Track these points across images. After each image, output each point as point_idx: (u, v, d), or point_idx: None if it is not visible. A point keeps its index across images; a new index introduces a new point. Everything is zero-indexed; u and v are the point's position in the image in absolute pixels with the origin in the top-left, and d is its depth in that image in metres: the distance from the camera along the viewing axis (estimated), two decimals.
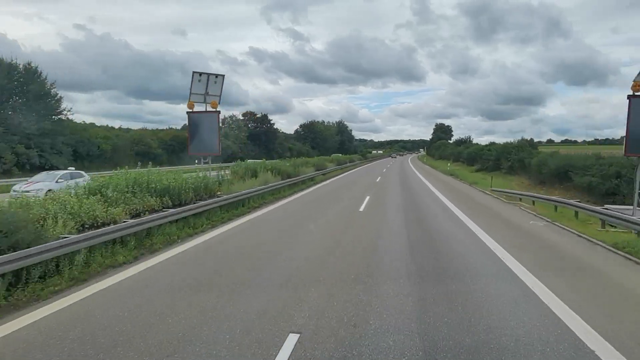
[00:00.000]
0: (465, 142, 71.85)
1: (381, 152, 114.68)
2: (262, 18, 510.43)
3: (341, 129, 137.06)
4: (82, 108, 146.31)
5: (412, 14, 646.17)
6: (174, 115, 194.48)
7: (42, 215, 7.11)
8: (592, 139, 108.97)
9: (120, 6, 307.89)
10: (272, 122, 78.18)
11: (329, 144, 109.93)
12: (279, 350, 3.95)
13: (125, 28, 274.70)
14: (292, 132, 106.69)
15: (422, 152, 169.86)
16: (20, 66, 32.94)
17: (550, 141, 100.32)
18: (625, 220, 9.90)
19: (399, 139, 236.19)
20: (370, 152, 64.40)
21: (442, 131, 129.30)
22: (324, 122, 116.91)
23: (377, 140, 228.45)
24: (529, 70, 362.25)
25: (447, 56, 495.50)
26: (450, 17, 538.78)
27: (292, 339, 4.16)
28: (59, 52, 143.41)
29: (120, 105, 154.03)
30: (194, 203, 11.37)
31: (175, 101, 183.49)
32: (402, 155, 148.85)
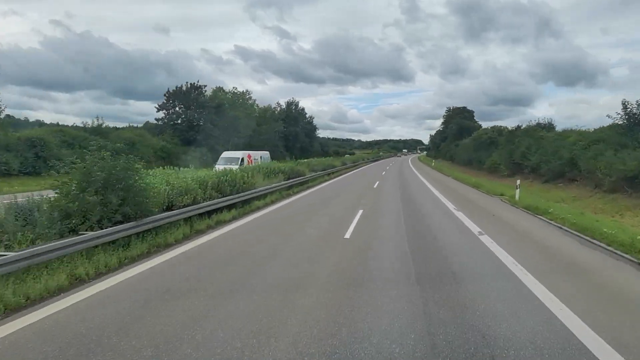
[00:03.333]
0: None
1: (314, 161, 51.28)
2: (246, 16, 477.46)
3: (291, 114, 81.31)
4: (66, 108, 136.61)
5: (401, 12, 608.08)
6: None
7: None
8: None
9: (100, 4, 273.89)
10: None
11: (247, 138, 53.95)
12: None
13: (106, 27, 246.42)
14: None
15: (407, 151, 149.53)
16: None
17: None
18: None
19: (389, 138, 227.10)
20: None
21: (464, 117, 74.49)
22: (238, 91, 59.43)
23: (364, 140, 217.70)
24: (519, 71, 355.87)
25: (437, 56, 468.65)
26: (440, 15, 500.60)
27: None
28: (38, 49, 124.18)
29: (105, 106, 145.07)
30: None
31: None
32: (406, 154, 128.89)
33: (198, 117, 46.09)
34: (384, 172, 36.94)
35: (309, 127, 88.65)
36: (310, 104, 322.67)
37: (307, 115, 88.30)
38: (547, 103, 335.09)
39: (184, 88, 46.38)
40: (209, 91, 51.04)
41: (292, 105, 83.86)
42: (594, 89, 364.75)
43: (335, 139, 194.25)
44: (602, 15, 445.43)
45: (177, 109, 46.21)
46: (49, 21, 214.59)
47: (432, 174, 36.21)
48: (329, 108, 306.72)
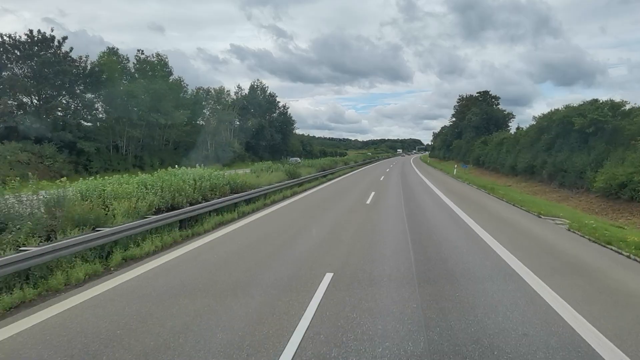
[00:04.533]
0: None
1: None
2: (242, 14, 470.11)
3: (255, 102, 61.25)
4: None
5: (398, 10, 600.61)
6: None
7: None
8: None
9: (97, 4, 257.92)
10: None
11: (159, 130, 33.79)
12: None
13: (102, 25, 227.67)
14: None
15: (401, 152, 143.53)
16: None
17: None
18: None
19: (386, 138, 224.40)
20: None
21: (488, 104, 54.51)
22: (145, 57, 38.09)
23: (361, 140, 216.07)
24: (517, 70, 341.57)
25: (434, 55, 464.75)
26: (438, 14, 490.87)
27: None
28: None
29: None
30: None
31: None
32: (409, 154, 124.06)
33: (42, 88, 25.88)
34: (369, 198, 16.92)
35: (282, 119, 68.35)
36: (307, 104, 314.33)
37: (280, 105, 67.98)
38: (545, 103, 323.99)
39: (22, 39, 26.16)
40: (87, 54, 30.93)
41: (257, 90, 63.54)
42: (592, 89, 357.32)
43: (331, 139, 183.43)
44: (601, 15, 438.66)
45: (4, 73, 25.94)
46: (42, 19, 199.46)
47: (498, 211, 16.34)
48: (327, 108, 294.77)
